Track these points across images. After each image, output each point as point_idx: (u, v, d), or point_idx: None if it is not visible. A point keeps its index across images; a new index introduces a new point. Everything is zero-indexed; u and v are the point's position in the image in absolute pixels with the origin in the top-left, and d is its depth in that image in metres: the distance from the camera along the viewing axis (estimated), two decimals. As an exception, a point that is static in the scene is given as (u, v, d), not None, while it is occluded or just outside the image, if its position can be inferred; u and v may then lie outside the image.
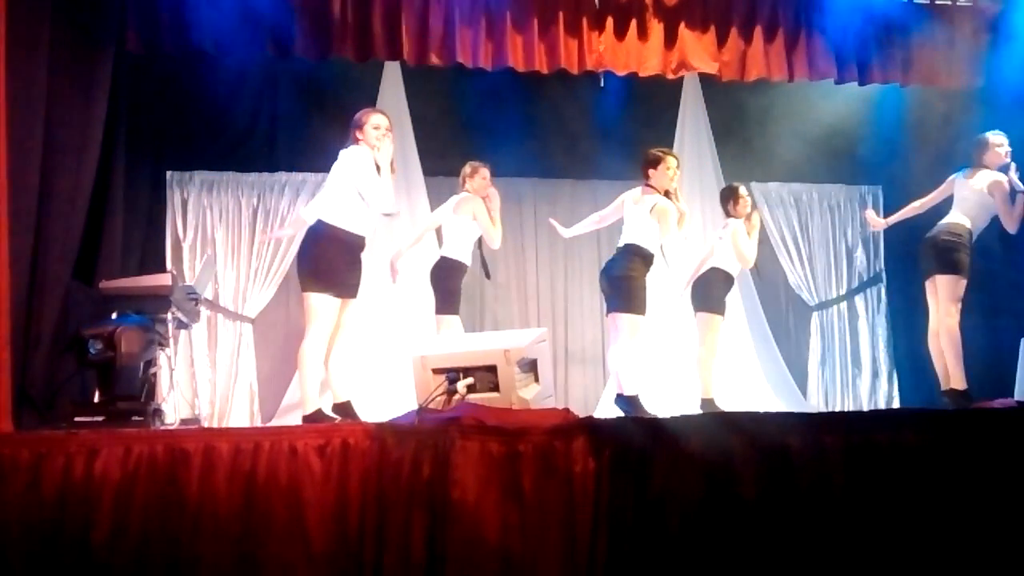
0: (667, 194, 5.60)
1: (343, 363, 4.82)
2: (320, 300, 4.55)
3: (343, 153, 4.74)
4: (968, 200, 5.49)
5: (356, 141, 4.77)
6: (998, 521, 3.46)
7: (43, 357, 4.70)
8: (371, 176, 4.64)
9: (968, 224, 5.45)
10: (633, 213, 5.60)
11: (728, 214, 6.24)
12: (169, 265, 6.78)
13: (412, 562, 3.25)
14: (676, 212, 5.57)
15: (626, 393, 5.43)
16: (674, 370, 7.04)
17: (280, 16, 5.40)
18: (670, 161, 5.66)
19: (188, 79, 6.68)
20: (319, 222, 4.64)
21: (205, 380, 6.90)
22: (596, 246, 7.58)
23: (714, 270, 6.16)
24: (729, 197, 6.28)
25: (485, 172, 6.00)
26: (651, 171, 5.64)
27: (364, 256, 4.82)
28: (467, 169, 6.03)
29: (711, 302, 6.15)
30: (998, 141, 5.56)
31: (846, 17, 6.02)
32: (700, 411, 5.79)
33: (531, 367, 4.14)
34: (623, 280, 5.51)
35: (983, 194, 5.44)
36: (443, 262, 5.92)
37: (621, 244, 5.60)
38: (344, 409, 4.60)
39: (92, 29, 5.15)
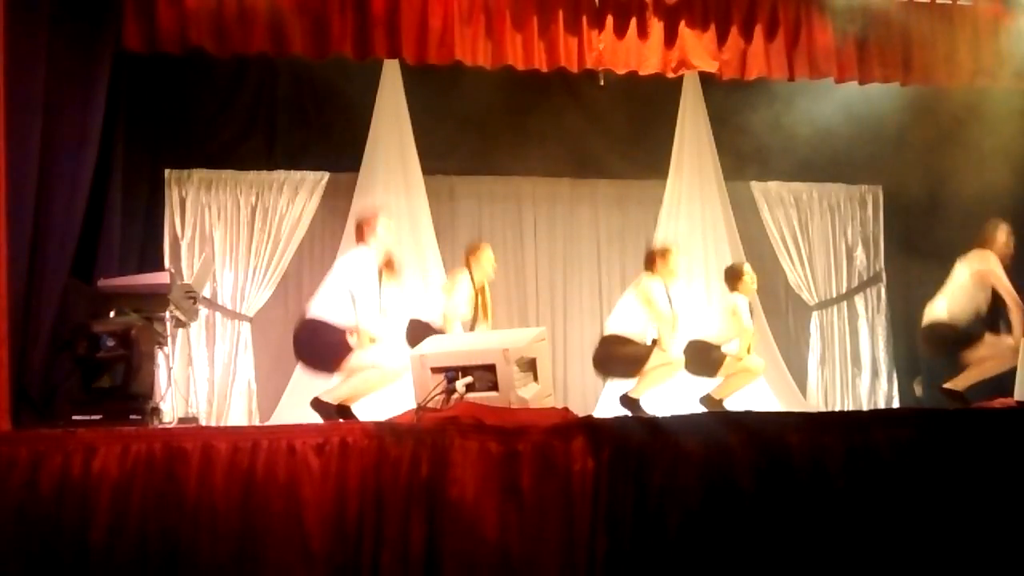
0: None
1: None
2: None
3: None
4: None
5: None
6: (997, 520, 3.45)
7: (41, 355, 4.68)
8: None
9: None
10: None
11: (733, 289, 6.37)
12: (167, 263, 6.77)
13: (410, 561, 3.25)
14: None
15: (631, 394, 5.50)
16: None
17: (279, 14, 5.39)
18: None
19: (187, 77, 6.69)
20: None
21: (203, 379, 6.90)
22: (595, 245, 7.59)
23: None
24: (733, 276, 6.43)
25: (490, 253, 6.10)
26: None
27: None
28: (469, 246, 6.15)
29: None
30: None
31: (847, 16, 6.01)
32: (714, 410, 5.82)
33: (530, 366, 4.13)
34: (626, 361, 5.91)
35: None
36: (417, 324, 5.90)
37: None
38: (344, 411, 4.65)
39: (91, 27, 5.14)
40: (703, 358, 6.09)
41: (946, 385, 5.58)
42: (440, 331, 5.77)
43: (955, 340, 5.60)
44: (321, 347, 4.81)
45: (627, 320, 5.89)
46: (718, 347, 6.13)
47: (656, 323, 5.81)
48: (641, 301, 5.84)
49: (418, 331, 5.70)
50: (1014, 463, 3.53)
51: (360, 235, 5.03)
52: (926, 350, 5.95)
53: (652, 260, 6.12)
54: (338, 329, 4.75)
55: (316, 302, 4.91)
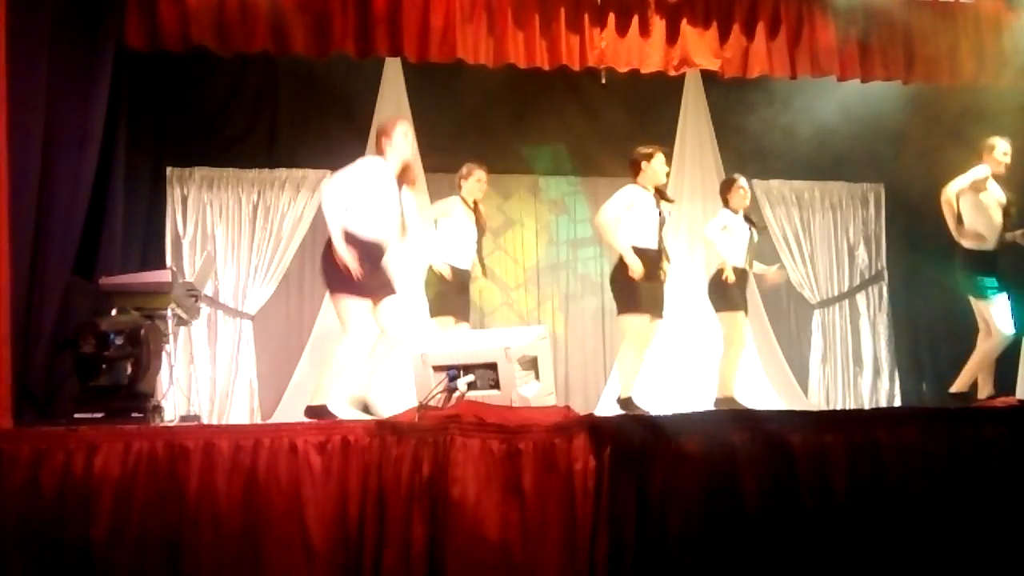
0: (658, 190, 5.60)
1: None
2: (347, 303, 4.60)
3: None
4: None
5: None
6: (999, 519, 3.45)
7: (43, 353, 4.69)
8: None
9: None
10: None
11: (726, 205, 6.19)
12: (169, 261, 6.77)
13: (412, 559, 3.25)
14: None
15: (621, 395, 5.44)
16: (692, 369, 7.02)
17: (281, 13, 5.39)
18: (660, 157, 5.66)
19: (189, 75, 6.69)
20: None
21: (205, 377, 6.90)
22: (598, 242, 7.58)
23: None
24: (726, 189, 6.26)
25: (481, 174, 5.98)
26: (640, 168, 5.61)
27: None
28: (463, 171, 5.99)
29: (728, 300, 6.08)
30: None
31: (849, 14, 6.01)
32: (715, 409, 5.77)
33: (531, 365, 4.13)
34: (612, 281, 5.58)
35: None
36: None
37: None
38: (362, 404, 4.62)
39: (93, 24, 5.15)
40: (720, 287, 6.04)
41: (952, 390, 5.57)
42: (456, 271, 5.80)
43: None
44: (325, 265, 4.68)
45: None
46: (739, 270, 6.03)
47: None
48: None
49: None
50: (1016, 462, 3.53)
51: (379, 146, 4.85)
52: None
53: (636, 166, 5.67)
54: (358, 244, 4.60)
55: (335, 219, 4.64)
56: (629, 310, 5.48)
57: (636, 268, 5.39)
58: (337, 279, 4.60)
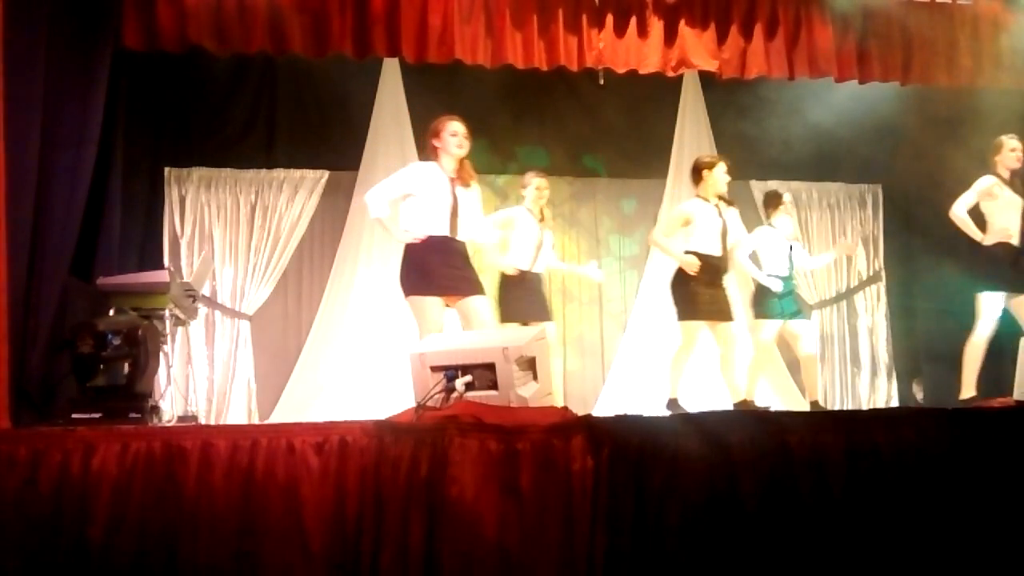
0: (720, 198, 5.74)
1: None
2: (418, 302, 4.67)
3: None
4: None
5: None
6: (998, 520, 3.45)
7: (40, 353, 4.68)
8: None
9: None
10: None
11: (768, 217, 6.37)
12: (167, 262, 6.77)
13: (410, 559, 3.24)
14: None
15: (669, 396, 5.62)
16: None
17: (279, 13, 5.39)
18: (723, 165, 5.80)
19: (187, 75, 6.69)
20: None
21: (203, 377, 6.90)
22: (595, 242, 7.58)
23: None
24: (770, 203, 6.43)
25: (540, 182, 6.10)
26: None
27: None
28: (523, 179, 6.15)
29: (758, 307, 6.24)
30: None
31: (846, 15, 6.02)
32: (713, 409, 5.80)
33: (530, 365, 4.12)
34: (671, 287, 5.74)
35: None
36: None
37: None
38: None
39: (91, 24, 5.14)
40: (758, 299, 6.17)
41: (962, 397, 5.58)
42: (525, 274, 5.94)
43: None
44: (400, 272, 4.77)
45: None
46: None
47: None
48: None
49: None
50: (1014, 463, 3.53)
51: (429, 146, 4.87)
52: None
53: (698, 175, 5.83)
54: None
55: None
56: (686, 317, 5.65)
57: (691, 265, 5.53)
58: (406, 282, 4.71)
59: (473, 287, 4.75)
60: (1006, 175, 5.63)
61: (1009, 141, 5.60)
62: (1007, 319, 5.58)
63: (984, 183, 5.60)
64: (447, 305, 4.75)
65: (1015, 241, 5.57)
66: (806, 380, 6.36)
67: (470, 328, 4.71)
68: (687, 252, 5.63)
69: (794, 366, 7.02)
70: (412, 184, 4.77)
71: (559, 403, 4.71)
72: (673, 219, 5.80)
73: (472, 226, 4.84)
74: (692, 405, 5.67)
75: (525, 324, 5.79)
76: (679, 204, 5.93)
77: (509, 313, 5.85)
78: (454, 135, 4.79)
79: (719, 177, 5.73)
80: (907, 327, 7.75)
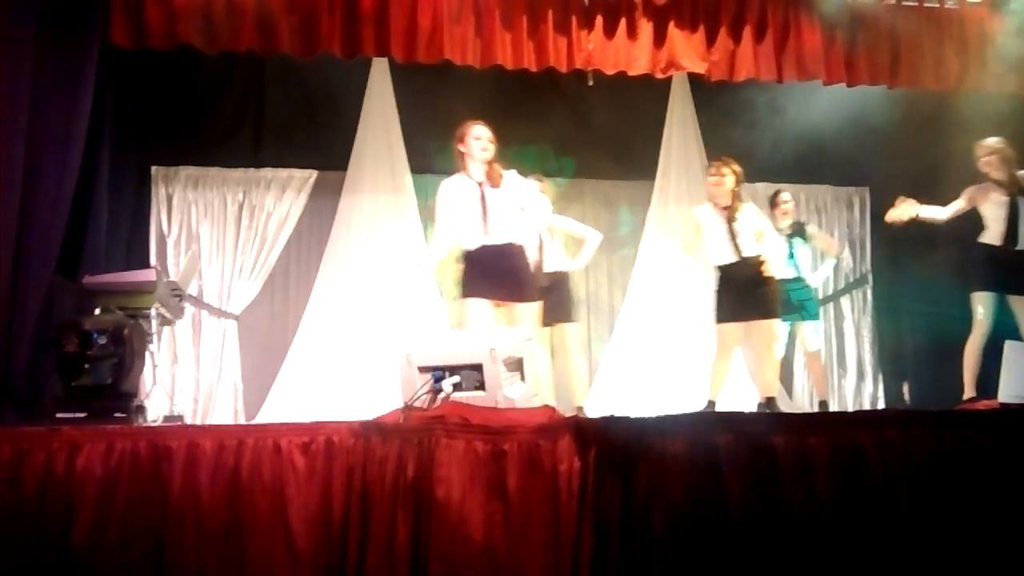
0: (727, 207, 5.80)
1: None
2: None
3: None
4: None
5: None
6: (981, 522, 3.47)
7: (25, 352, 4.66)
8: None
9: None
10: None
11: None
12: (153, 260, 6.74)
13: (396, 560, 3.24)
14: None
15: (710, 397, 5.75)
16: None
17: (268, 12, 5.38)
18: (711, 171, 5.90)
19: (174, 74, 6.66)
20: None
21: (189, 377, 6.87)
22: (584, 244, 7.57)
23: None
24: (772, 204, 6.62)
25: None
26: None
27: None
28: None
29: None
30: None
31: (835, 18, 6.04)
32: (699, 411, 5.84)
33: (517, 366, 4.12)
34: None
35: None
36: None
37: None
38: None
39: (78, 22, 5.11)
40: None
41: (965, 398, 5.63)
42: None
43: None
44: None
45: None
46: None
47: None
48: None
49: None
50: (997, 465, 3.55)
51: (456, 152, 4.99)
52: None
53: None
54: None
55: None
56: (717, 320, 5.84)
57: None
58: (463, 285, 4.89)
59: (515, 293, 4.87)
60: (995, 176, 5.66)
61: (984, 146, 5.65)
62: (1002, 319, 5.62)
63: (971, 188, 5.66)
64: (496, 307, 4.89)
65: (1000, 242, 5.60)
66: (815, 381, 6.44)
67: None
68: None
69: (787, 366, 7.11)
70: (451, 205, 4.91)
71: (553, 402, 4.76)
72: (690, 226, 5.98)
73: (506, 227, 4.90)
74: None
75: (547, 326, 5.83)
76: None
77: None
78: (478, 139, 4.91)
79: (708, 181, 5.85)
80: (894, 329, 7.78)
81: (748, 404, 6.35)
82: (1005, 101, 6.20)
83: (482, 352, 3.90)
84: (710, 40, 5.98)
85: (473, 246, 4.89)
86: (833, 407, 7.66)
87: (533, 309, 4.99)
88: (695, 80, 7.01)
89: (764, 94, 6.91)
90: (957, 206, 5.71)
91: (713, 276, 5.94)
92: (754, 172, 7.62)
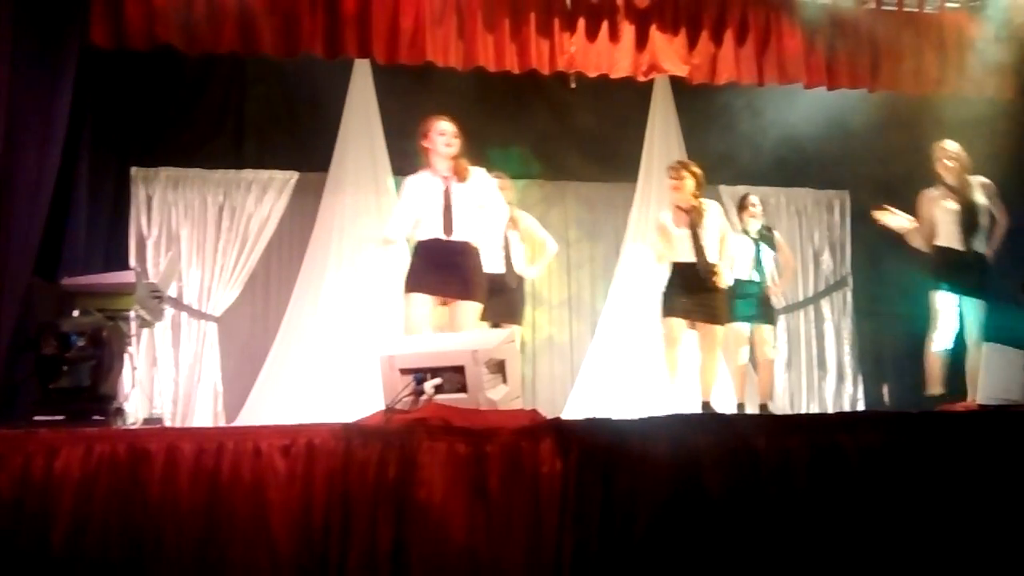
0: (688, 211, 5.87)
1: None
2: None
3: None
4: None
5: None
6: (958, 521, 3.49)
7: (3, 354, 4.62)
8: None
9: None
10: None
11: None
12: (133, 262, 6.70)
13: (377, 562, 3.23)
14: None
15: (702, 399, 5.84)
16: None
17: (249, 12, 5.35)
18: (670, 174, 5.95)
19: (155, 74, 6.62)
20: None
21: (168, 379, 6.83)
22: (565, 247, 7.58)
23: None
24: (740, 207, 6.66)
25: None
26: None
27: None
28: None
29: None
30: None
31: (816, 22, 6.08)
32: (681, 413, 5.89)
33: (499, 368, 4.12)
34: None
35: None
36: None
37: None
38: None
39: (56, 22, 5.07)
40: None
41: (928, 394, 5.69)
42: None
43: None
44: None
45: None
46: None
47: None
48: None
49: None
50: (975, 465, 3.57)
51: (421, 148, 4.99)
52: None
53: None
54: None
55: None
56: (664, 315, 5.93)
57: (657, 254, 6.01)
58: (408, 279, 4.88)
59: (460, 291, 4.85)
60: (950, 180, 5.72)
61: (948, 149, 5.71)
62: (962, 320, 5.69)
63: (924, 200, 5.75)
64: (441, 304, 4.89)
65: (959, 245, 5.67)
66: (760, 384, 6.48)
67: (454, 331, 4.79)
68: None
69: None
70: (413, 198, 4.91)
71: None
72: (656, 230, 6.05)
73: (467, 225, 4.90)
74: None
75: (496, 326, 5.81)
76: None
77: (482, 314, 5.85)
78: (442, 134, 4.89)
79: (668, 185, 6.00)
80: (873, 331, 7.83)
81: (730, 407, 6.40)
82: (984, 105, 6.24)
83: (464, 354, 3.90)
84: (691, 43, 6.00)
85: (426, 237, 4.88)
86: (813, 409, 7.71)
87: (476, 309, 4.98)
88: (677, 83, 7.04)
89: (745, 97, 6.94)
90: (924, 219, 5.78)
91: (667, 272, 5.98)
92: (735, 175, 7.68)
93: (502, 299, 5.97)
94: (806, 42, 6.11)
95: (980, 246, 5.70)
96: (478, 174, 4.97)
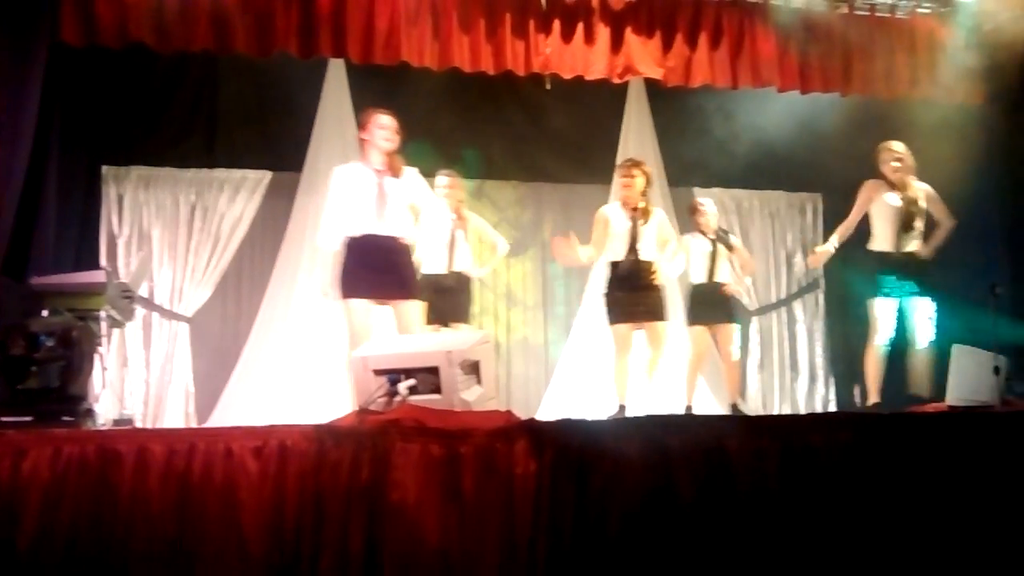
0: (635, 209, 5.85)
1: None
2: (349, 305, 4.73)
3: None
4: None
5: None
6: (929, 521, 3.53)
7: (-30, 355, 4.55)
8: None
9: None
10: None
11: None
12: (103, 262, 6.63)
13: (350, 564, 3.21)
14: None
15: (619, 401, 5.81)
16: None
17: (222, 10, 5.31)
18: (620, 171, 5.97)
19: (126, 72, 6.55)
20: None
21: (139, 380, 6.77)
22: (540, 249, 7.60)
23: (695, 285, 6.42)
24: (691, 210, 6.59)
25: (444, 179, 6.18)
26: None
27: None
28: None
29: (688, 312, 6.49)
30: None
31: (789, 26, 6.12)
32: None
33: (473, 369, 4.12)
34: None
35: None
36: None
37: None
38: None
39: (26, 18, 5.01)
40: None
41: (868, 403, 5.76)
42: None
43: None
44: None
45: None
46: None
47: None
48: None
49: None
50: (945, 465, 3.61)
51: (359, 140, 4.93)
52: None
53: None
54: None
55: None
56: (610, 322, 5.89)
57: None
58: (337, 285, 4.76)
59: (398, 291, 4.78)
60: (893, 180, 5.75)
61: (895, 151, 5.75)
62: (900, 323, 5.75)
63: (869, 185, 5.79)
64: (382, 304, 4.79)
65: (891, 248, 5.71)
66: (727, 384, 6.53)
67: (401, 333, 4.74)
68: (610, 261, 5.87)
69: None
70: (342, 192, 4.79)
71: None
72: (595, 220, 5.98)
73: (398, 220, 4.83)
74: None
75: (445, 325, 5.81)
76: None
77: (428, 314, 5.81)
78: (383, 128, 4.82)
79: (618, 183, 6.06)
80: (845, 333, 7.88)
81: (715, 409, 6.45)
82: (953, 110, 6.32)
83: (438, 355, 3.89)
84: (666, 46, 6.04)
85: (357, 233, 4.76)
86: (785, 410, 7.76)
87: (419, 308, 4.96)
88: (651, 85, 7.06)
89: (719, 100, 6.97)
90: (859, 206, 5.80)
91: (604, 275, 5.97)
92: (709, 177, 7.72)
93: (447, 299, 5.97)
94: (780, 46, 6.15)
95: (913, 247, 5.71)
96: (411, 173, 4.91)
